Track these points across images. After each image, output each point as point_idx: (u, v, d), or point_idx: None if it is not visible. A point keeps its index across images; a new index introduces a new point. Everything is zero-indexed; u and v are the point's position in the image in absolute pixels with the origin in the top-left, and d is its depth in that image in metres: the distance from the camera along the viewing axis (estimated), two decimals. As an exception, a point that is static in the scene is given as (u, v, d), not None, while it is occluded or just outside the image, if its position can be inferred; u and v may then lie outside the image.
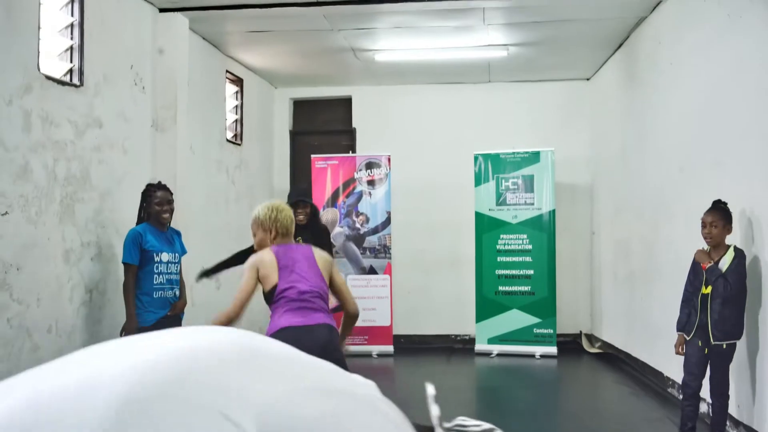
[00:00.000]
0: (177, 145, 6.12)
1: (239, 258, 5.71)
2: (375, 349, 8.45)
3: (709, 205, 4.72)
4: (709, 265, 4.50)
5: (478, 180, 8.85)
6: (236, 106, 8.24)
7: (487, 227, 8.79)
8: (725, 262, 4.47)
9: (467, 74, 9.02)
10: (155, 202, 4.91)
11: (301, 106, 9.79)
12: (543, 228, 8.60)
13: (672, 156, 6.24)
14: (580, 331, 9.20)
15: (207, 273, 5.62)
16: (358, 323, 8.18)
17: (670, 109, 6.30)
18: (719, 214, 4.59)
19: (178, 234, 5.13)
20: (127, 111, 5.65)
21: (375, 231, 8.76)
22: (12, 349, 4.24)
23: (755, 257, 4.68)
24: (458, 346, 9.19)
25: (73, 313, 4.89)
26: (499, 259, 8.70)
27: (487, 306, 8.75)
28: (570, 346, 8.93)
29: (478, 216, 8.84)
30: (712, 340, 4.45)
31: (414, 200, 9.24)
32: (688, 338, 4.67)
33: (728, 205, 4.61)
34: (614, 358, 8.09)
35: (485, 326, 8.73)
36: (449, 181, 9.26)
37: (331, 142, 9.62)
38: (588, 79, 9.33)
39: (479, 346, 8.73)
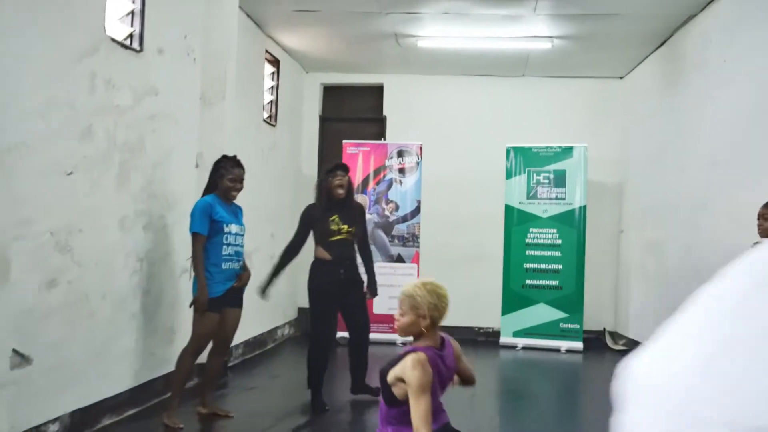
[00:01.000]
0: (224, 121, 6.06)
1: (287, 257, 5.68)
2: (399, 338, 8.39)
3: (759, 202, 4.74)
4: None
5: (509, 173, 8.82)
6: (272, 87, 8.17)
7: (516, 221, 8.76)
8: None
9: (502, 67, 8.98)
10: (229, 178, 4.83)
11: (331, 92, 9.73)
12: (573, 223, 8.57)
13: (718, 155, 6.21)
14: (604, 328, 9.17)
15: (265, 288, 5.57)
16: (384, 311, 8.22)
17: (718, 108, 6.26)
18: None
19: (240, 209, 5.09)
20: (180, 82, 5.59)
21: (404, 219, 8.72)
22: (71, 313, 4.18)
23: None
24: (482, 339, 9.15)
25: (126, 281, 4.82)
26: (527, 252, 8.67)
27: (513, 299, 8.72)
28: (594, 342, 8.90)
29: (508, 209, 8.80)
30: None
31: (444, 191, 9.20)
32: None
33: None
34: (641, 356, 8.05)
35: (511, 319, 8.70)
36: (480, 173, 9.23)
37: (360, 129, 9.56)
38: (621, 78, 9.30)
39: (504, 339, 8.70)
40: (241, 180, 4.92)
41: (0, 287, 3.32)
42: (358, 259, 5.76)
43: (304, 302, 6.18)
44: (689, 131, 6.89)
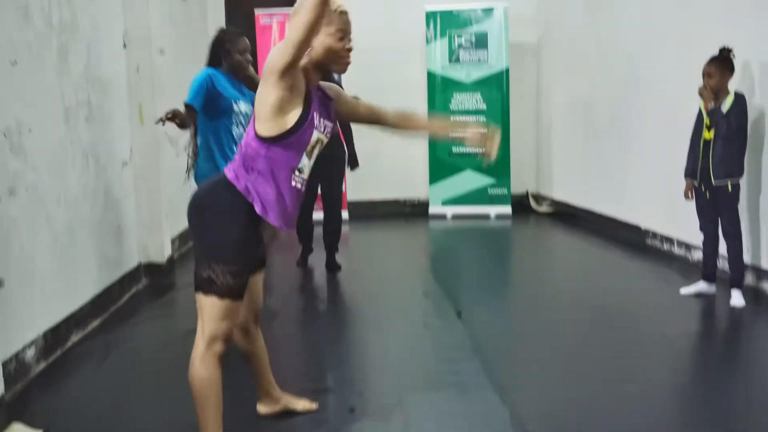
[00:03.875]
0: (149, -6, 5.38)
1: None
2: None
3: (704, 53, 4.73)
4: (711, 107, 4.57)
5: (430, 38, 8.53)
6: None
7: (440, 87, 8.58)
8: (726, 105, 4.55)
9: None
10: (238, 50, 4.05)
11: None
12: (497, 87, 8.49)
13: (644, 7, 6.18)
14: (527, 191, 9.33)
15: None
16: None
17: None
18: (718, 63, 4.59)
19: (244, 86, 4.23)
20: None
21: (327, 93, 8.31)
22: (33, 222, 3.69)
23: (759, 104, 4.80)
24: (409, 210, 9.11)
25: (76, 181, 4.30)
26: (452, 118, 8.55)
27: (440, 168, 8.67)
28: (520, 206, 9.06)
29: (431, 75, 8.59)
30: (713, 181, 4.59)
31: (362, 60, 8.73)
32: (696, 184, 4.78)
33: (731, 53, 4.61)
34: (568, 216, 8.30)
35: (439, 188, 8.68)
36: (399, 39, 8.86)
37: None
38: (535, -68, 9.03)
39: (433, 209, 8.70)
40: (249, 51, 4.17)
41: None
42: None
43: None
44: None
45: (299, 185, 2.49)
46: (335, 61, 2.45)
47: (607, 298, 4.92)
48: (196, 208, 2.47)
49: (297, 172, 2.46)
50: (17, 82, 3.54)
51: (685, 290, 4.90)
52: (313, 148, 2.49)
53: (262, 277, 2.76)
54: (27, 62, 3.65)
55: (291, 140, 2.40)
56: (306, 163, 2.49)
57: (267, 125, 2.38)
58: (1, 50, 3.39)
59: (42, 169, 3.81)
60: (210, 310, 2.40)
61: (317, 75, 2.52)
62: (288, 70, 2.30)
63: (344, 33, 2.44)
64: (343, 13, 2.44)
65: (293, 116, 2.39)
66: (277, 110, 2.36)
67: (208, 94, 3.93)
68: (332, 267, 5.87)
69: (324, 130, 2.53)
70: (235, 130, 4.05)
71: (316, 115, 2.46)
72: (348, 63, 2.48)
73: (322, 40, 2.42)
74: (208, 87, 3.94)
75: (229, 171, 2.45)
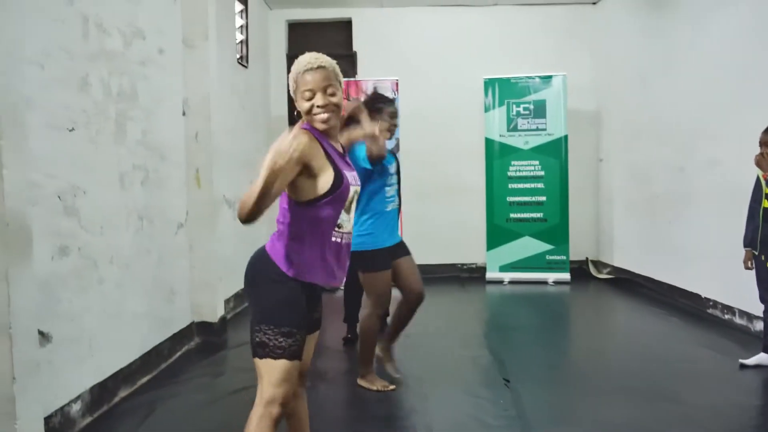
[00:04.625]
0: (207, 64, 5.64)
1: None
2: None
3: (760, 127, 4.70)
4: None
5: (488, 106, 8.62)
6: (242, 26, 7.70)
7: (497, 154, 8.61)
8: None
9: (475, -5, 8.69)
10: (387, 114, 4.26)
11: (297, 29, 9.26)
12: (555, 154, 8.47)
13: (714, 79, 6.12)
14: (587, 258, 9.19)
15: None
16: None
17: (714, 30, 6.15)
18: None
19: None
20: (163, 23, 5.15)
21: (384, 159, 8.44)
22: (82, 281, 3.85)
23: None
24: (467, 275, 9.07)
25: (129, 242, 4.48)
26: (510, 186, 8.56)
27: (498, 233, 8.63)
28: (578, 272, 8.93)
29: (489, 142, 8.64)
30: None
31: (422, 126, 8.95)
32: (756, 254, 4.66)
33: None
34: (628, 283, 8.12)
35: (496, 254, 8.63)
36: (458, 106, 9.01)
37: (329, 67, 9.14)
38: (594, 3, 9.10)
39: (490, 274, 8.64)
40: (397, 116, 4.40)
41: (24, 262, 2.97)
42: None
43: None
44: (680, 54, 6.77)
45: (339, 239, 2.51)
46: (312, 120, 2.46)
47: (662, 369, 4.76)
48: (246, 276, 2.54)
49: (337, 228, 2.49)
50: (73, 147, 3.75)
51: (745, 361, 4.73)
52: (351, 202, 2.52)
53: (316, 338, 2.74)
54: (84, 129, 3.86)
55: (328, 200, 2.43)
56: (345, 218, 2.51)
57: (301, 194, 2.43)
58: (58, 117, 3.61)
59: (95, 230, 3.98)
60: (267, 373, 2.42)
61: (327, 131, 2.52)
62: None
63: (311, 92, 2.43)
64: (307, 72, 2.44)
65: (325, 180, 2.41)
66: (306, 183, 2.41)
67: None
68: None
69: (356, 182, 2.56)
70: (388, 191, 4.25)
71: (346, 173, 2.48)
72: (323, 119, 2.45)
73: (298, 104, 2.48)
74: None
75: (270, 240, 2.52)
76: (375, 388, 4.39)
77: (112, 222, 4.22)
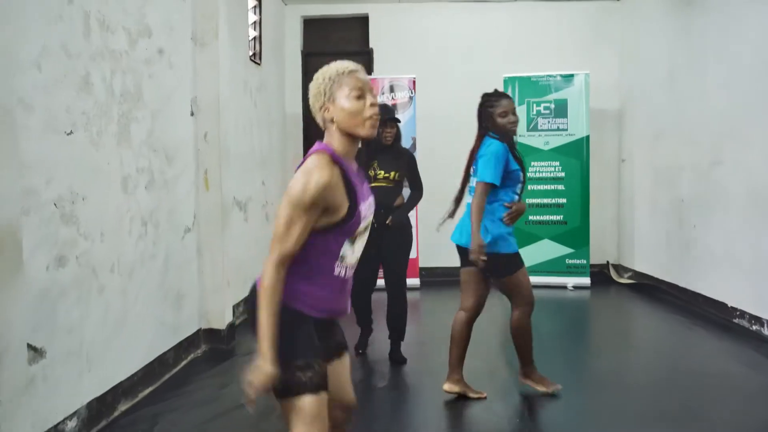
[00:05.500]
0: (218, 62, 5.46)
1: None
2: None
3: None
4: None
5: (507, 105, 8.38)
6: (255, 23, 7.52)
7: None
8: None
9: (496, -9, 8.45)
10: (499, 113, 4.12)
11: (312, 25, 9.07)
12: (576, 155, 8.22)
13: (747, 79, 5.86)
14: (607, 261, 8.95)
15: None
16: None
17: (742, 25, 5.89)
18: None
19: None
20: (171, 20, 4.98)
21: (400, 159, 8.24)
22: (82, 291, 3.68)
23: None
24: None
25: (132, 248, 4.31)
26: (529, 187, 8.32)
27: (516, 236, 8.31)
28: (599, 276, 8.69)
29: (508, 143, 8.39)
30: None
31: (440, 125, 8.74)
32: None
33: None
34: (650, 288, 7.87)
35: (515, 258, 8.39)
36: (476, 105, 8.74)
37: (345, 64, 8.96)
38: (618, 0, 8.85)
39: (508, 278, 8.40)
40: (515, 113, 4.20)
41: (14, 274, 2.80)
42: None
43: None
44: (709, 53, 6.51)
45: (343, 273, 2.25)
46: (359, 124, 2.17)
47: (684, 382, 4.55)
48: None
49: (339, 261, 2.22)
50: (72, 152, 3.58)
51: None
52: (359, 234, 2.26)
53: (347, 366, 2.46)
54: (83, 132, 3.70)
55: (336, 230, 2.18)
56: (348, 252, 2.24)
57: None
58: (55, 121, 3.44)
59: (94, 237, 3.82)
60: (295, 415, 2.13)
61: (351, 147, 2.24)
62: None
63: (360, 91, 2.18)
64: (352, 72, 2.21)
65: (338, 214, 2.16)
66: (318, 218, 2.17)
67: (504, 169, 4.01)
68: (397, 359, 5.21)
69: (370, 212, 2.31)
70: (513, 196, 4.12)
71: (362, 205, 2.22)
72: (374, 124, 2.17)
73: (341, 106, 2.18)
74: (504, 160, 4.00)
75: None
76: (549, 388, 4.32)
77: (113, 228, 4.05)
